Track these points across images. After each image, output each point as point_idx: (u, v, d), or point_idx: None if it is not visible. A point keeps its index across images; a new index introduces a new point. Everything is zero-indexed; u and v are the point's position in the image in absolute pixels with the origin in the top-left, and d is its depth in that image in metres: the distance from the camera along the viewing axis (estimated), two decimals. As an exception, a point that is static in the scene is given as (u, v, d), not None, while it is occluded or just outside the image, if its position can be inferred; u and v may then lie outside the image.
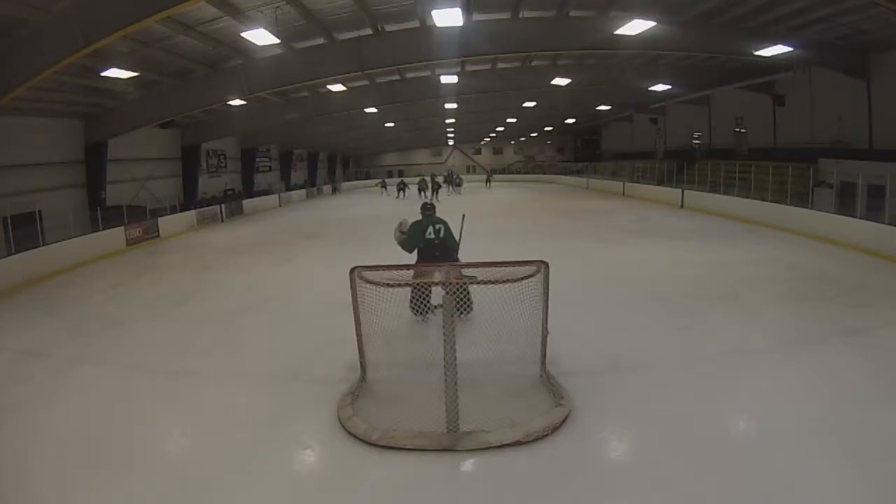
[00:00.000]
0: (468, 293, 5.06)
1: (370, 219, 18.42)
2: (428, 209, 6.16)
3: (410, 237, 5.91)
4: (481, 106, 22.93)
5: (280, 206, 25.59)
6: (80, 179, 14.60)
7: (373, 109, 19.74)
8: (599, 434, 3.71)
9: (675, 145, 25.45)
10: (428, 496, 3.14)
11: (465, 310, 5.11)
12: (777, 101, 17.62)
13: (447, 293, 3.67)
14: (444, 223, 5.99)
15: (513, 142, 43.93)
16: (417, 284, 4.86)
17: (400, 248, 6.14)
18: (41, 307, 8.06)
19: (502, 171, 42.94)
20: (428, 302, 5.38)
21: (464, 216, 6.49)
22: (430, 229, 5.84)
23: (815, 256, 9.38)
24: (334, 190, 36.36)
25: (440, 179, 28.33)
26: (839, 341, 5.25)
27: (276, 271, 10.02)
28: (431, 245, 5.80)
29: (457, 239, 6.06)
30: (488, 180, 35.00)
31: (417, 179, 27.81)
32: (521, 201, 23.81)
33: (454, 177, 31.11)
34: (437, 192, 25.12)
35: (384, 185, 31.80)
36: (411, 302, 5.46)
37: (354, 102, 18.16)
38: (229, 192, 23.30)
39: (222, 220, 19.49)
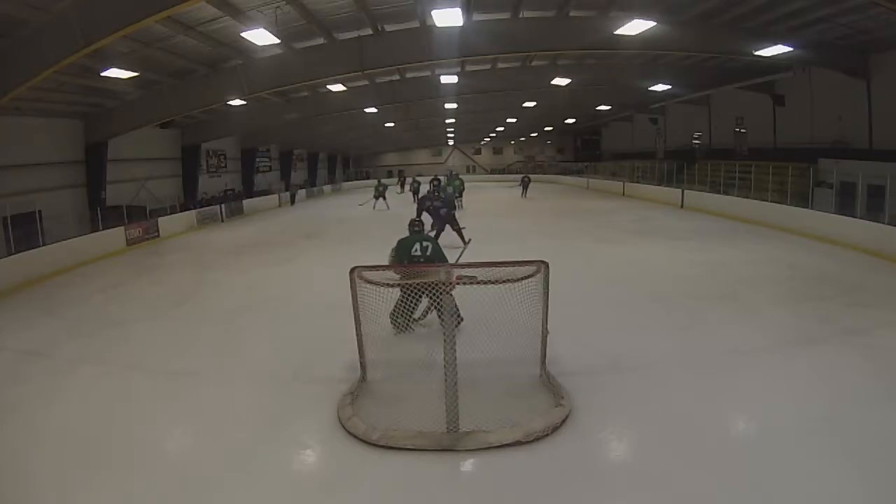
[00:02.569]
0: (456, 305, 4.65)
1: (370, 219, 18.41)
2: (416, 226, 5.98)
3: (397, 255, 5.68)
4: (481, 106, 22.93)
5: (280, 205, 25.59)
6: (80, 179, 14.58)
7: (373, 109, 19.74)
8: (599, 434, 3.71)
9: (675, 145, 25.46)
10: (428, 496, 3.14)
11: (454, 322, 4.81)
12: (777, 101, 17.63)
13: (445, 295, 3.66)
14: (432, 241, 5.77)
15: (513, 142, 43.95)
16: (402, 296, 4.65)
17: None
18: (41, 307, 8.05)
19: (502, 171, 42.87)
20: (412, 314, 5.09)
21: (468, 242, 5.99)
22: (417, 246, 5.57)
23: (815, 256, 9.38)
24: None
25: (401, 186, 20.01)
26: (839, 341, 5.25)
27: (276, 271, 10.02)
28: (417, 263, 5.48)
29: (449, 259, 5.68)
30: (525, 185, 25.14)
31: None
32: (521, 201, 23.79)
33: (453, 180, 20.61)
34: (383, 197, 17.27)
35: (381, 195, 21.37)
36: (393, 313, 5.11)
37: (354, 102, 18.15)
38: (229, 192, 23.29)
39: (222, 220, 19.48)
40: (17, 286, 9.33)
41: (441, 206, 11.52)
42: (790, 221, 12.10)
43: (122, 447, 3.75)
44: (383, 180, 23.03)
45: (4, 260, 9.62)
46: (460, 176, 23.02)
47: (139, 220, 15.00)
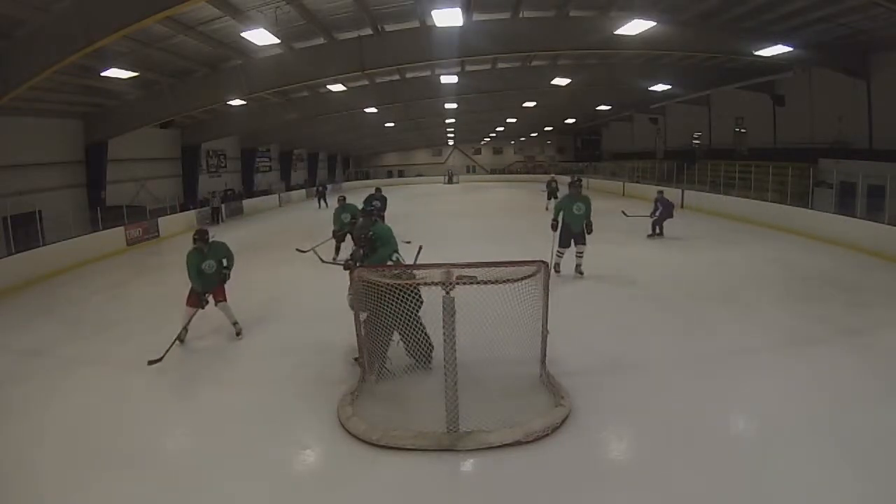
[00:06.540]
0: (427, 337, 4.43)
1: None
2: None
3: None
4: (481, 106, 22.93)
5: (280, 205, 25.59)
6: (80, 179, 14.57)
7: (373, 109, 19.74)
8: (599, 434, 3.71)
9: (675, 145, 25.46)
10: (428, 496, 3.14)
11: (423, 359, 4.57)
12: (777, 101, 17.62)
13: (447, 294, 3.66)
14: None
15: (513, 142, 43.96)
16: (369, 331, 4.29)
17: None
18: (41, 307, 8.05)
19: (502, 171, 42.85)
20: (384, 351, 4.57)
21: (420, 248, 5.37)
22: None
23: (815, 256, 9.38)
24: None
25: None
26: (839, 341, 5.25)
27: (275, 271, 10.02)
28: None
29: None
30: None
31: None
32: (521, 201, 23.76)
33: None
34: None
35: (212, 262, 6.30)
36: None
37: (354, 102, 18.15)
38: (228, 192, 23.30)
39: (223, 220, 19.49)
40: (18, 286, 9.32)
41: None
42: (790, 221, 12.09)
43: (122, 447, 3.75)
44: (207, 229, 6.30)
45: (4, 260, 9.62)
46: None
47: (139, 220, 14.99)
